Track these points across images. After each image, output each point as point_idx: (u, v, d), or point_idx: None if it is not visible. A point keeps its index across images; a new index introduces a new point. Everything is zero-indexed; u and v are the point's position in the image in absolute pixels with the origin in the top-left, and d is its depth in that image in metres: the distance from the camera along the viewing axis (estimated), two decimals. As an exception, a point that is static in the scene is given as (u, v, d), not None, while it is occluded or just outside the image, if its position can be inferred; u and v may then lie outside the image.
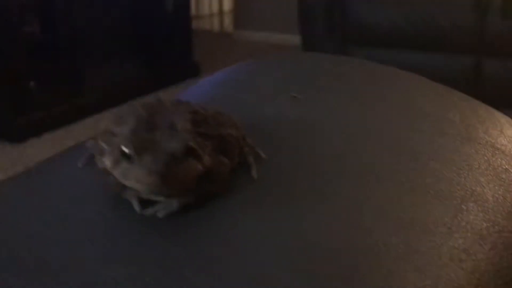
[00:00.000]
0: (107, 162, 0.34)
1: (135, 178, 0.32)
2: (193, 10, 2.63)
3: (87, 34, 1.88)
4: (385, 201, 0.36)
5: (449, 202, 0.36)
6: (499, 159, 0.43)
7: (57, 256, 0.31)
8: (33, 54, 1.73)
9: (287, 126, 0.45)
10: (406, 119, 0.48)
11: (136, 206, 0.34)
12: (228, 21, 3.11)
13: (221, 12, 3.09)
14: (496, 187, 0.39)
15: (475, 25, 1.66)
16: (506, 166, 0.42)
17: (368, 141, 0.43)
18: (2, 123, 1.72)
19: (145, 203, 0.34)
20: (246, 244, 0.32)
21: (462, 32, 1.69)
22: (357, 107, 0.49)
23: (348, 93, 0.52)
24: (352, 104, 0.50)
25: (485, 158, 0.42)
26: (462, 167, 0.40)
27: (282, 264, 0.30)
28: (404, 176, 0.39)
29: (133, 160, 0.32)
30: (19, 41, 1.70)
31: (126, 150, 0.32)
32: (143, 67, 2.05)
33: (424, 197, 0.36)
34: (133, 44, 2.07)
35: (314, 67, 0.59)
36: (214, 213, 0.34)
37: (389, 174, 0.39)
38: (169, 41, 2.11)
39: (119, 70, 1.98)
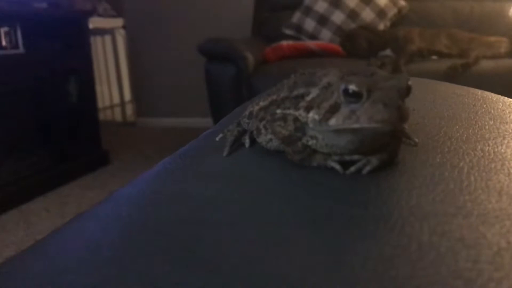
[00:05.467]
0: (315, 116, 0.33)
1: (369, 116, 0.30)
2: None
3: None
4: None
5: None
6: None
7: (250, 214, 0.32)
8: None
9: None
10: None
11: (337, 166, 0.35)
12: (130, 111, 3.18)
13: (122, 102, 3.16)
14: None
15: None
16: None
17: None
18: None
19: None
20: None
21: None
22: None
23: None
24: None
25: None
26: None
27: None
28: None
29: (362, 100, 0.30)
30: None
31: (356, 88, 0.30)
32: (52, 160, 2.01)
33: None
34: (40, 137, 2.03)
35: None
36: (389, 180, 0.34)
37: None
38: (77, 132, 2.10)
39: (25, 164, 1.90)
